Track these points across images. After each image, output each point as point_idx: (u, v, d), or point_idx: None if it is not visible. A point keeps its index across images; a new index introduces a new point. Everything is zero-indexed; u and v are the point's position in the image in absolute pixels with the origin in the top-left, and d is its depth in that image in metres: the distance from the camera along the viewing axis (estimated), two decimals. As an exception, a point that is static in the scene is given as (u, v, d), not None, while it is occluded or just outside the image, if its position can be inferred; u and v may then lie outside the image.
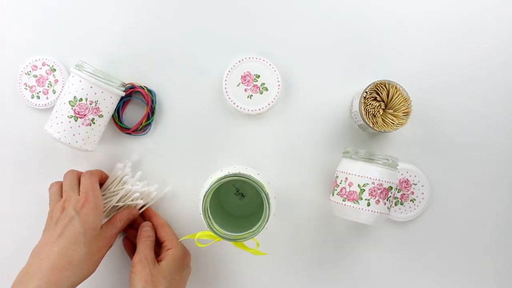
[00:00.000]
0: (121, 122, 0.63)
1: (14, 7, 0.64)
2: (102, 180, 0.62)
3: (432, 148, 0.63)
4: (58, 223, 0.53)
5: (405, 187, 0.63)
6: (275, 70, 0.61)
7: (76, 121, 0.55)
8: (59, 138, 0.55)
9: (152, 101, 0.63)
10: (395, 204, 0.62)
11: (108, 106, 0.57)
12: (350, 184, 0.55)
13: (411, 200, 0.63)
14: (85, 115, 0.55)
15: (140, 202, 0.61)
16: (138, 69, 0.64)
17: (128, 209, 0.60)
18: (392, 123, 0.57)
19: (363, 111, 0.57)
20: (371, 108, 0.57)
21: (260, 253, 0.54)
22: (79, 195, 0.55)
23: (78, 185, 0.57)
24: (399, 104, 0.57)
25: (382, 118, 0.58)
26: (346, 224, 0.64)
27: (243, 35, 0.63)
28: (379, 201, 0.55)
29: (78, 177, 0.58)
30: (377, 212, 0.55)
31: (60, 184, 0.58)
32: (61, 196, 0.56)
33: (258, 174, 0.53)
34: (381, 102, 0.58)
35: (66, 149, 0.63)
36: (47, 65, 0.63)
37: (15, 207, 0.65)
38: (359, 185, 0.55)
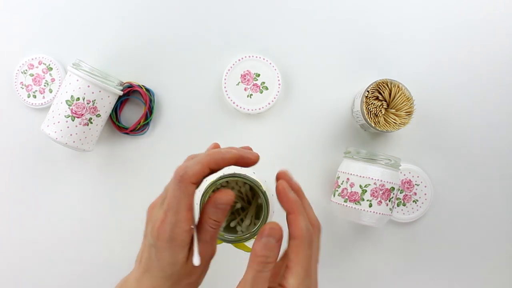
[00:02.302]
0: (118, 122, 0.63)
1: (10, 5, 0.64)
2: (220, 165, 0.41)
3: (435, 148, 0.63)
4: (144, 240, 0.42)
5: (408, 188, 0.63)
6: (275, 69, 0.61)
7: (73, 120, 0.55)
8: (56, 138, 0.56)
9: (151, 101, 0.63)
10: (398, 205, 0.63)
11: (106, 106, 0.57)
12: (351, 185, 0.56)
13: (413, 201, 0.63)
14: (82, 114, 0.56)
15: None
16: (136, 68, 0.64)
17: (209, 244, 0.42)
18: (394, 122, 0.57)
19: (365, 111, 0.57)
20: (373, 108, 0.57)
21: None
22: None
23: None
24: (402, 104, 0.58)
25: (384, 118, 0.58)
26: (347, 226, 0.64)
27: (243, 33, 0.63)
28: (381, 202, 0.55)
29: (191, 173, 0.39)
30: (379, 213, 0.55)
31: None
32: None
33: (254, 172, 0.53)
34: (383, 102, 0.58)
35: (63, 149, 0.63)
36: (43, 63, 0.63)
37: (11, 207, 0.65)
38: (360, 186, 0.55)
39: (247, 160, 0.43)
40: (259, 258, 0.37)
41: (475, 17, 0.63)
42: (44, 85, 0.63)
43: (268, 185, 0.52)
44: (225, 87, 0.61)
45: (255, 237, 0.41)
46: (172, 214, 0.39)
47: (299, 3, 0.63)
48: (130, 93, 0.63)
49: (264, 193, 0.47)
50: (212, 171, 0.41)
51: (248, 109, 0.61)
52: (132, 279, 0.42)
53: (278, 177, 0.42)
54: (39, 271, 0.64)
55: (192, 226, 0.41)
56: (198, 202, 0.48)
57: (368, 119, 0.57)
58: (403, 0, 0.63)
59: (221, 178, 0.47)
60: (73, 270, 0.64)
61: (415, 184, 0.63)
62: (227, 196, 0.40)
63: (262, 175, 0.54)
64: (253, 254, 0.37)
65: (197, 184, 0.40)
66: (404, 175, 0.62)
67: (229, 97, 0.61)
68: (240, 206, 0.54)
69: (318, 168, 0.63)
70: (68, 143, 0.56)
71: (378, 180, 0.55)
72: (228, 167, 0.49)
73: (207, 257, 0.42)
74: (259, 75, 0.62)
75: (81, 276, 0.65)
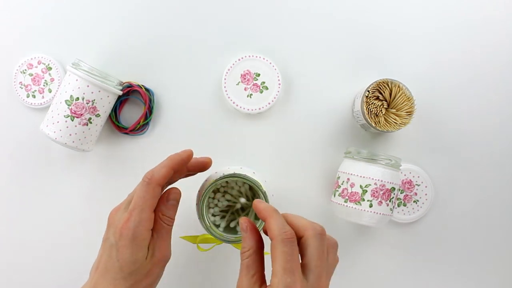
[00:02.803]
0: (118, 122, 0.63)
1: (9, 4, 0.64)
2: (180, 168, 0.47)
3: (435, 148, 0.63)
4: (104, 243, 0.45)
5: (408, 188, 0.63)
6: (275, 69, 0.61)
7: (72, 120, 0.55)
8: (55, 138, 0.56)
9: (150, 100, 0.63)
10: (398, 205, 0.63)
11: (105, 106, 0.58)
12: (352, 185, 0.56)
13: (414, 201, 0.63)
14: (81, 114, 0.56)
15: None
16: (136, 67, 0.64)
17: (172, 194, 0.47)
18: (394, 122, 0.57)
19: (365, 111, 0.57)
20: (373, 108, 0.57)
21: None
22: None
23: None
24: (402, 103, 0.58)
25: (384, 118, 0.58)
26: (348, 226, 0.64)
27: (243, 32, 0.64)
28: (381, 202, 0.55)
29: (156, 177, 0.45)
30: (380, 214, 0.55)
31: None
32: None
33: (254, 173, 0.53)
34: (383, 101, 0.58)
35: (62, 149, 0.63)
36: (42, 63, 0.63)
37: (10, 207, 0.65)
38: (361, 186, 0.55)
39: (201, 160, 0.49)
40: (241, 250, 0.41)
41: (475, 17, 0.63)
42: (44, 85, 0.63)
43: (268, 186, 0.52)
44: (225, 87, 0.61)
45: None
46: (137, 213, 0.43)
47: (300, 3, 0.63)
48: (129, 93, 0.63)
49: (264, 193, 0.47)
50: (176, 172, 0.47)
51: (248, 109, 0.61)
52: (87, 287, 0.44)
53: (254, 203, 0.44)
54: (38, 271, 0.64)
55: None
56: (198, 202, 0.48)
57: (369, 119, 0.57)
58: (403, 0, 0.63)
59: (220, 178, 0.47)
60: (73, 270, 0.64)
61: (416, 184, 0.63)
62: (174, 193, 0.47)
63: (262, 175, 0.54)
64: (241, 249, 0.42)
65: (163, 186, 0.46)
66: (405, 175, 0.62)
67: (229, 97, 0.61)
68: (240, 207, 0.54)
69: (318, 168, 0.63)
70: (67, 143, 0.56)
71: (378, 180, 0.55)
72: (229, 167, 0.49)
73: (164, 256, 0.46)
74: (259, 74, 0.62)
75: (81, 276, 0.65)
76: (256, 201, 0.43)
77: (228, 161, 0.64)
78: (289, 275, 0.37)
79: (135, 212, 0.43)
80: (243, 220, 0.42)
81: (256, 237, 0.42)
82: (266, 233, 0.42)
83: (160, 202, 0.46)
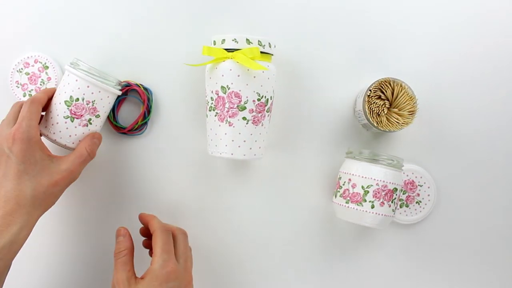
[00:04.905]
0: (116, 122, 0.63)
1: (5, 1, 0.64)
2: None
3: (438, 148, 0.63)
4: None
5: (411, 189, 0.63)
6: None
7: (72, 121, 0.55)
8: (55, 140, 0.56)
9: (149, 100, 0.63)
10: (400, 206, 0.63)
11: (105, 106, 0.58)
12: (353, 186, 0.56)
13: (416, 202, 0.63)
14: (81, 115, 0.56)
15: None
16: (134, 66, 0.64)
17: (90, 135, 0.56)
18: (397, 122, 0.57)
19: (367, 110, 0.57)
20: (375, 107, 0.57)
21: (261, 67, 0.52)
22: None
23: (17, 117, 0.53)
24: (404, 103, 0.58)
25: (386, 117, 0.58)
26: (349, 227, 0.64)
27: (242, 32, 0.63)
28: (383, 203, 0.55)
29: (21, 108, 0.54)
30: (382, 215, 0.55)
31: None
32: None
33: None
34: (385, 101, 0.58)
35: (58, 149, 0.63)
36: (39, 62, 0.63)
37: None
38: (362, 187, 0.55)
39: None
40: (115, 251, 0.54)
41: (479, 15, 0.63)
42: (40, 84, 0.63)
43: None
44: (224, 86, 0.61)
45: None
46: (27, 121, 0.51)
47: (300, 1, 0.63)
48: (127, 92, 0.63)
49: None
50: (49, 99, 0.56)
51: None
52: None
53: (139, 216, 0.59)
54: (37, 271, 0.65)
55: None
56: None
57: (371, 119, 0.57)
58: (406, -3, 0.64)
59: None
60: (73, 271, 0.65)
61: (418, 185, 0.63)
62: (94, 137, 0.57)
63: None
64: (114, 252, 0.54)
65: (43, 107, 0.54)
66: (407, 175, 0.63)
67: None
68: None
69: (319, 169, 0.64)
70: (67, 144, 0.56)
71: (380, 180, 0.55)
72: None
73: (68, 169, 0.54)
74: (259, 74, 0.62)
75: (80, 276, 0.65)
76: (140, 214, 0.58)
77: (228, 161, 0.64)
78: (166, 254, 0.51)
79: (25, 122, 0.51)
80: (120, 229, 0.56)
81: (131, 241, 0.55)
82: (141, 233, 0.59)
83: (90, 135, 0.56)
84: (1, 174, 0.50)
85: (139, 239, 0.59)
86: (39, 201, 0.51)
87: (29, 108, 0.52)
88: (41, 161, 0.51)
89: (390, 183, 0.55)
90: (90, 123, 0.57)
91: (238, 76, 0.53)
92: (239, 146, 0.55)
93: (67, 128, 0.56)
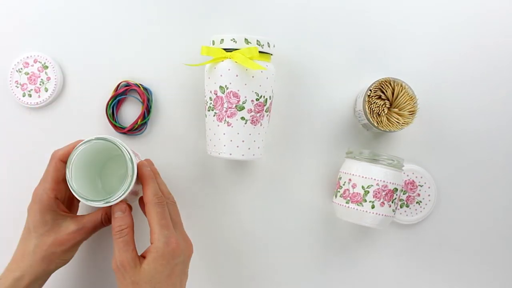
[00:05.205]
0: (115, 121, 0.63)
1: (5, 1, 0.64)
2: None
3: (438, 148, 0.63)
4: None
5: (411, 189, 0.63)
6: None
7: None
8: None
9: (148, 100, 0.63)
10: (401, 207, 0.63)
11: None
12: (353, 186, 0.56)
13: (417, 202, 0.63)
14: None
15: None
16: (134, 66, 0.64)
17: (119, 206, 0.53)
18: (397, 122, 0.57)
19: (367, 110, 0.57)
20: (375, 107, 0.57)
21: (259, 67, 0.53)
22: None
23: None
24: (405, 103, 0.58)
25: (387, 117, 0.58)
26: (349, 227, 0.64)
27: (242, 32, 0.64)
28: (383, 203, 0.55)
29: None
30: (382, 215, 0.55)
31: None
32: None
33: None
34: (386, 101, 0.58)
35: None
36: (39, 62, 0.63)
37: (4, 208, 0.65)
38: (363, 187, 0.55)
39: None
40: (116, 228, 0.50)
41: (479, 15, 0.63)
42: (40, 84, 0.64)
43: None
44: (224, 86, 0.61)
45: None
46: (42, 182, 0.53)
47: (300, 1, 0.63)
48: (127, 92, 0.63)
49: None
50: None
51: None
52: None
53: (138, 166, 0.53)
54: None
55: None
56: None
57: (371, 119, 0.57)
58: (406, -3, 0.64)
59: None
60: (73, 273, 0.64)
61: (419, 185, 0.63)
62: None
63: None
64: (112, 228, 0.51)
65: (65, 162, 0.52)
66: (407, 175, 0.63)
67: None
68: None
69: (319, 169, 0.64)
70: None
71: (381, 181, 0.55)
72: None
73: (89, 223, 0.54)
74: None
75: (80, 275, 0.65)
76: (142, 163, 0.53)
77: (227, 161, 0.64)
78: (166, 229, 0.49)
79: (41, 182, 0.54)
80: (120, 204, 0.51)
81: (131, 217, 0.52)
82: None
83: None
84: (21, 237, 0.55)
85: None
86: (41, 257, 0.52)
87: (47, 168, 0.54)
88: (52, 221, 0.53)
89: (390, 183, 0.55)
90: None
91: (237, 76, 0.53)
92: (237, 146, 0.55)
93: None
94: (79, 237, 0.54)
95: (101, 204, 0.50)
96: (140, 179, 0.52)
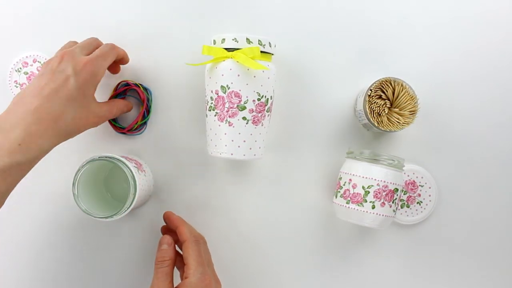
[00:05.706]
0: (115, 121, 0.63)
1: (4, 0, 0.64)
2: (122, 62, 0.61)
3: (439, 148, 0.63)
4: (54, 74, 0.50)
5: (412, 189, 0.63)
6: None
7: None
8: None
9: (148, 100, 0.63)
10: (401, 207, 0.63)
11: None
12: (354, 186, 0.56)
13: (417, 203, 0.63)
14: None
15: None
16: (134, 66, 0.64)
17: (125, 102, 0.61)
18: (398, 122, 0.57)
19: (367, 110, 0.57)
20: (376, 107, 0.57)
21: (261, 66, 0.53)
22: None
23: (92, 51, 0.55)
24: (405, 103, 0.58)
25: (387, 117, 0.58)
26: (349, 228, 0.64)
27: (243, 31, 0.64)
28: (384, 204, 0.55)
29: (98, 46, 0.57)
30: (382, 215, 0.55)
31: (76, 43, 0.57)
32: None
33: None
34: (386, 101, 0.58)
35: (56, 149, 0.63)
36: (38, 61, 0.63)
37: (7, 208, 0.65)
38: (363, 187, 0.55)
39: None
40: (158, 259, 0.53)
41: (480, 14, 0.64)
42: (39, 84, 0.63)
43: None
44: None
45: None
46: (101, 60, 0.53)
47: (300, 0, 0.63)
48: (127, 92, 0.63)
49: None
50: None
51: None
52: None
53: (164, 215, 0.59)
54: (36, 271, 0.64)
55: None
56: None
57: (371, 119, 0.57)
58: (406, -3, 0.64)
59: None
60: (73, 272, 0.64)
61: (419, 185, 0.63)
62: (128, 106, 0.62)
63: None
64: (156, 257, 0.53)
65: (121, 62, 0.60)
66: (408, 176, 0.63)
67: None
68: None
69: (320, 169, 0.64)
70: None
71: (381, 181, 0.55)
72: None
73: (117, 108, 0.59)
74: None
75: (80, 276, 0.65)
76: (167, 213, 0.59)
77: (227, 162, 0.64)
78: (201, 266, 0.52)
79: (100, 58, 0.53)
80: (166, 237, 0.55)
81: (175, 252, 0.55)
82: (162, 231, 0.59)
83: (125, 102, 0.61)
84: (53, 88, 0.49)
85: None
86: (67, 131, 0.51)
87: (108, 51, 0.55)
88: (89, 98, 0.53)
89: (391, 183, 0.55)
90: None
91: (238, 75, 0.53)
92: (238, 146, 0.55)
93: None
94: (100, 122, 0.56)
95: (108, 220, 0.54)
96: (171, 225, 0.58)
